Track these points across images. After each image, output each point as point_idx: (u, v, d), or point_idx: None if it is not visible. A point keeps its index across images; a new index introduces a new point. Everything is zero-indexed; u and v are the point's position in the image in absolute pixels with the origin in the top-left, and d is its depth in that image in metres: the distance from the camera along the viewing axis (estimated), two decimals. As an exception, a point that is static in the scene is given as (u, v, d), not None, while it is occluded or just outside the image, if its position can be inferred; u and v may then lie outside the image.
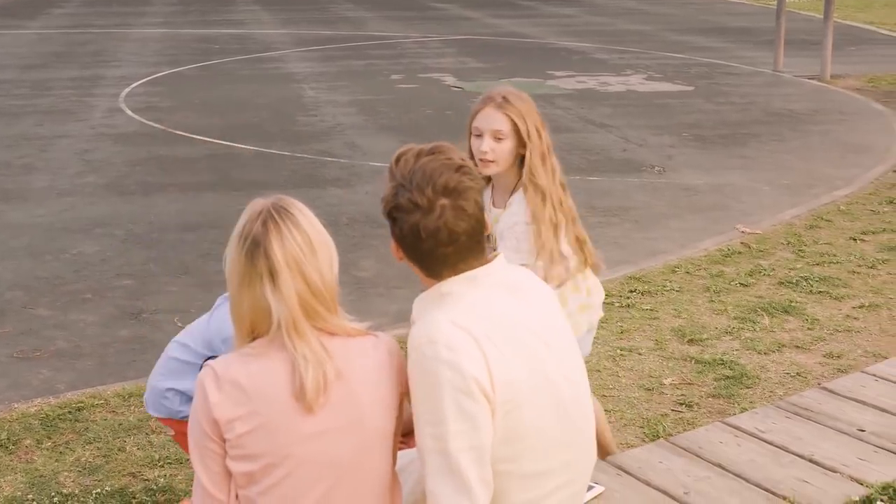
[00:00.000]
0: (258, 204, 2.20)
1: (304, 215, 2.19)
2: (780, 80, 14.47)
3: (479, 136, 3.28)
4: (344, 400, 2.16)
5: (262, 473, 2.12)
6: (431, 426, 2.18)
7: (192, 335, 3.37)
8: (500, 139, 3.26)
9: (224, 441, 2.12)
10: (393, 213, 2.26)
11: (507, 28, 21.40)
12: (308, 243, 2.16)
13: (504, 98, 3.29)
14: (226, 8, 25.56)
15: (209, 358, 3.19)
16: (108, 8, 26.26)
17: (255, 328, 2.17)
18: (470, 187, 2.24)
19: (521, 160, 3.33)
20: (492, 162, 3.27)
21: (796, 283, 6.13)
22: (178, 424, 3.38)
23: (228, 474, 2.15)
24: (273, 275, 2.12)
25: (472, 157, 3.30)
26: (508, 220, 3.34)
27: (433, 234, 2.24)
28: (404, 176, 2.24)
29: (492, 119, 3.26)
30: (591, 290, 3.54)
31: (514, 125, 3.25)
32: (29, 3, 27.90)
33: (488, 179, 3.41)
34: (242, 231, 2.18)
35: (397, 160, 2.29)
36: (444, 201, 2.21)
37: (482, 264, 2.32)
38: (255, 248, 2.13)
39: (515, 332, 2.28)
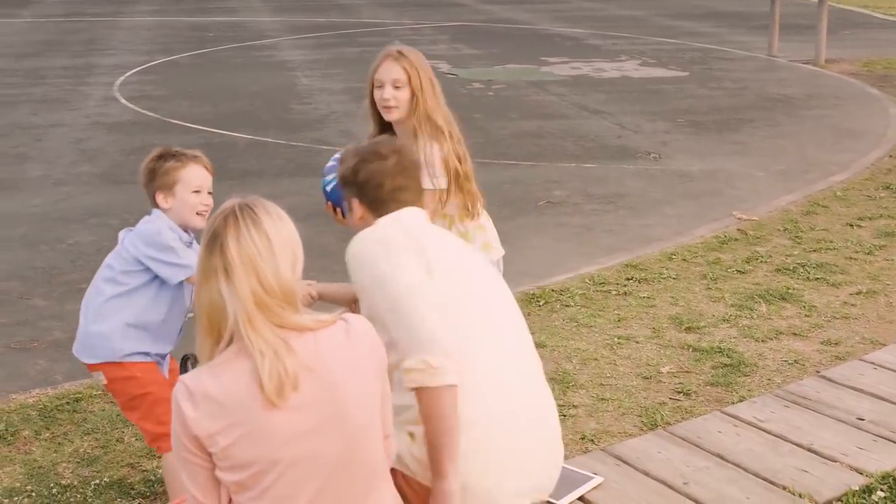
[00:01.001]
0: (228, 202, 2.22)
1: (270, 216, 2.19)
2: (775, 65, 14.46)
3: (381, 87, 3.65)
4: (322, 396, 2.14)
5: (252, 480, 2.11)
6: (379, 289, 2.58)
7: (113, 262, 3.40)
8: (398, 87, 3.64)
9: (209, 454, 2.11)
10: (359, 166, 2.79)
11: (500, 14, 21.35)
12: (266, 244, 2.15)
13: (399, 52, 3.70)
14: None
15: (144, 268, 3.34)
16: (99, -5, 26.16)
17: (214, 325, 2.16)
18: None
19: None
20: (394, 108, 3.63)
21: (793, 270, 6.14)
22: (109, 369, 3.39)
23: (217, 483, 2.15)
24: (227, 270, 2.13)
25: (374, 107, 3.70)
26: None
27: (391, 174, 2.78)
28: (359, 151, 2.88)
29: (391, 70, 3.65)
30: (488, 231, 3.81)
31: (409, 75, 3.63)
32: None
33: (391, 131, 3.73)
34: (208, 225, 2.21)
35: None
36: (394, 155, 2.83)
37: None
38: (214, 242, 2.16)
39: (448, 243, 2.86)
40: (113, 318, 3.35)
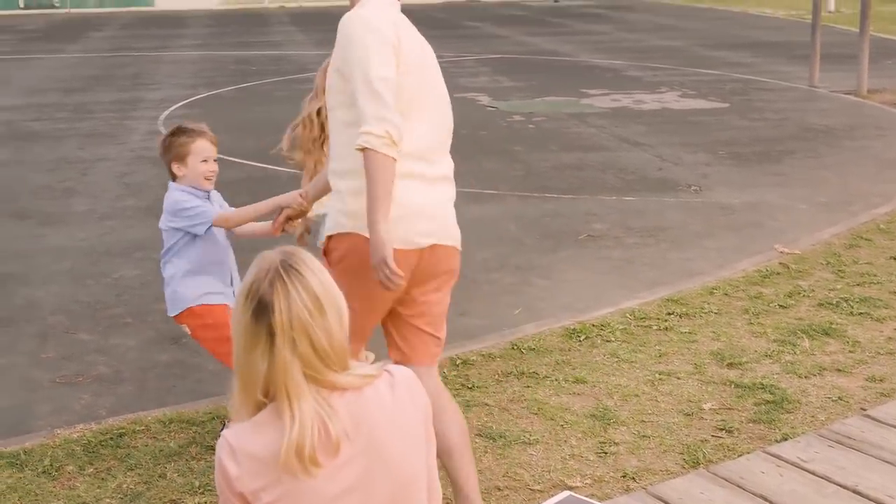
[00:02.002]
0: (266, 259, 2.14)
1: (313, 272, 2.13)
2: (816, 95, 14.39)
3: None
4: (367, 454, 2.11)
5: None
6: (360, 65, 3.27)
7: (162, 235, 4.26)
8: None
9: None
10: None
11: (540, 46, 21.42)
12: (316, 303, 2.09)
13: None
14: (262, 29, 25.78)
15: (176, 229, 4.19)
16: (145, 31, 26.57)
17: (255, 390, 2.10)
18: None
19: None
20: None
21: (836, 305, 6.09)
22: (190, 317, 4.21)
23: None
24: (276, 337, 2.06)
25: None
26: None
27: None
28: None
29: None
30: None
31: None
32: (68, 27, 28.28)
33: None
34: (250, 289, 2.11)
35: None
36: None
37: None
38: (261, 308, 2.07)
39: (417, 41, 3.45)
40: (175, 273, 4.21)
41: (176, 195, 4.18)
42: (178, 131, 4.23)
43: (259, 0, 35.20)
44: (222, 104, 14.06)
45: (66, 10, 34.75)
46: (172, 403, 4.91)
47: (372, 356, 4.22)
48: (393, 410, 2.16)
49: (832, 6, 27.59)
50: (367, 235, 3.26)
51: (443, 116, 3.54)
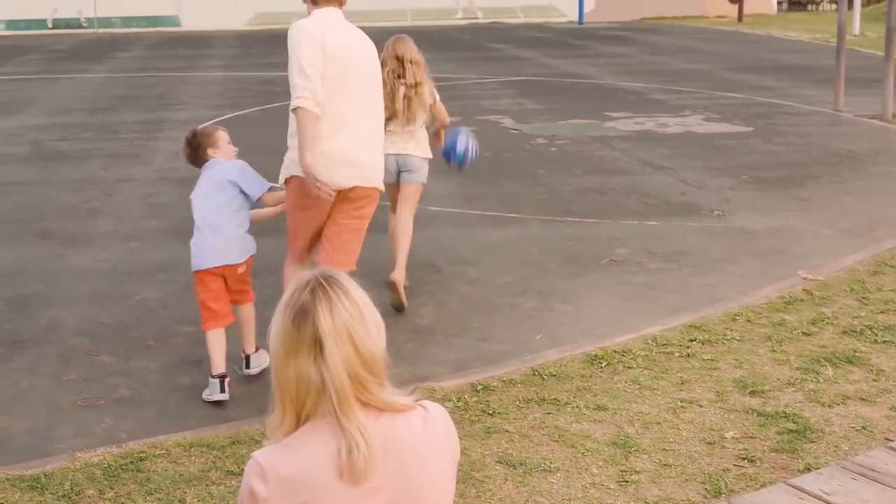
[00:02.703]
0: (305, 276, 2.15)
1: (353, 285, 2.13)
2: (840, 120, 14.33)
3: None
4: (394, 483, 2.10)
5: None
6: (295, 55, 4.92)
7: (219, 197, 5.31)
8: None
9: None
10: None
11: (563, 68, 21.44)
12: (358, 311, 2.09)
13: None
14: (287, 51, 25.95)
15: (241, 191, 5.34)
16: (171, 51, 26.78)
17: (298, 403, 2.09)
18: None
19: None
20: None
21: (860, 332, 6.04)
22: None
23: None
24: (321, 343, 2.05)
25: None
26: None
27: None
28: None
29: None
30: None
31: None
32: (95, 47, 28.54)
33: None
34: (289, 301, 2.11)
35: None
36: None
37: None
38: (304, 316, 2.06)
39: (343, 36, 5.11)
40: (244, 226, 5.35)
41: (235, 162, 5.47)
42: (195, 133, 5.55)
43: (284, 21, 35.42)
44: (247, 125, 14.13)
45: (94, 31, 35.10)
46: (193, 427, 4.91)
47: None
48: (425, 445, 2.14)
49: (857, 30, 27.50)
50: (302, 176, 4.93)
51: (363, 97, 5.08)
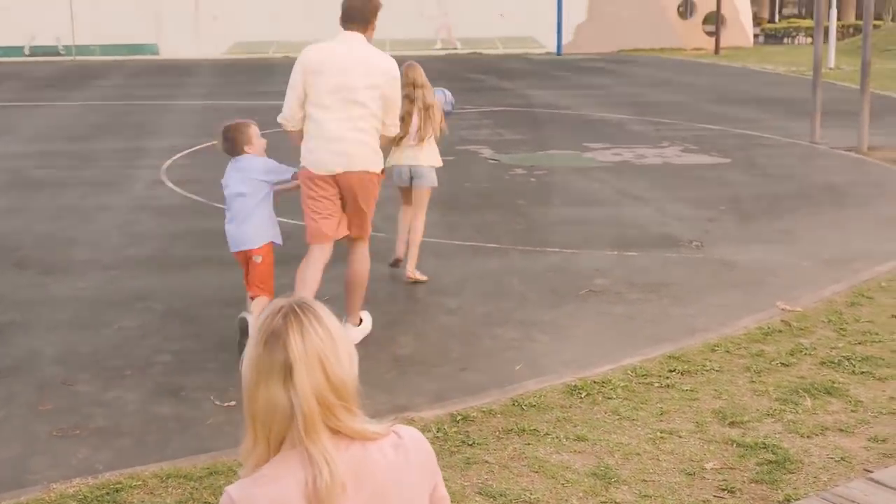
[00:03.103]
0: (278, 302, 2.15)
1: (326, 312, 2.13)
2: (817, 152, 14.45)
3: None
4: None
5: None
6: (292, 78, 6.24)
7: (245, 189, 6.29)
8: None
9: None
10: None
11: (543, 99, 21.55)
12: (330, 338, 2.08)
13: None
14: (266, 80, 25.93)
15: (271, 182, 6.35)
16: (150, 80, 26.75)
17: (268, 429, 2.08)
18: None
19: None
20: None
21: (838, 363, 6.06)
22: (269, 250, 6.31)
23: None
24: (291, 367, 2.04)
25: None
26: None
27: None
28: None
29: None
30: None
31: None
32: (74, 75, 28.49)
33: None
34: (262, 326, 2.10)
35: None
36: None
37: None
38: (275, 340, 2.05)
39: (330, 59, 6.18)
40: (270, 214, 6.30)
41: (265, 159, 6.40)
42: (229, 127, 6.40)
43: (263, 50, 35.48)
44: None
45: (72, 58, 35.05)
46: (170, 458, 4.87)
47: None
48: (398, 471, 2.13)
49: (832, 63, 27.78)
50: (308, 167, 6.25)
51: (341, 101, 6.09)
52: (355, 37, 6.22)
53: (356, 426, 2.09)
